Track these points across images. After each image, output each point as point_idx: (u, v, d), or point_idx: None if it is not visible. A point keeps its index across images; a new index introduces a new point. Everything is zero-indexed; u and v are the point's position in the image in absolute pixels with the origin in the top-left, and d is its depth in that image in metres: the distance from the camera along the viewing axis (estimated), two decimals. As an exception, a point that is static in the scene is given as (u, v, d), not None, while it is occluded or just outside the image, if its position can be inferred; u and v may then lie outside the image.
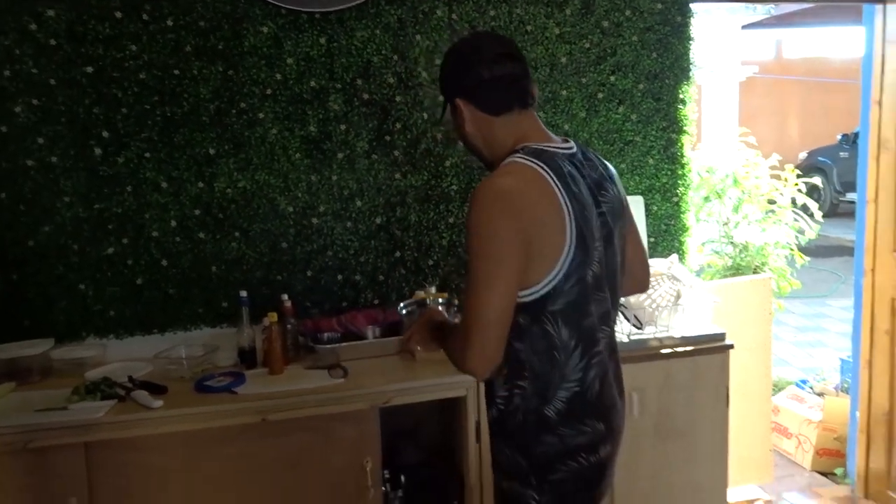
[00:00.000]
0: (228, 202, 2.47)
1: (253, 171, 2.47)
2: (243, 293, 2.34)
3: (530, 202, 1.25)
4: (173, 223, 2.43)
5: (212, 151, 2.43)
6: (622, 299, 1.69)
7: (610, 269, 1.38)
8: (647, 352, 2.38)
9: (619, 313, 1.64)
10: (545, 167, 1.28)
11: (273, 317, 2.28)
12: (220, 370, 2.31)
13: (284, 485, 2.15)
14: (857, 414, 3.28)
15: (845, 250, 8.29)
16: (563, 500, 1.37)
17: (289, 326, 2.40)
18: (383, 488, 2.34)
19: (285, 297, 2.43)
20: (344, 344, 2.42)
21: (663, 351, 2.41)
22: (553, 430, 1.33)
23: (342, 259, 2.59)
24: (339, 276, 2.60)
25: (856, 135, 8.25)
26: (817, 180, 5.08)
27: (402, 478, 2.46)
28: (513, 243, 1.23)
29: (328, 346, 2.40)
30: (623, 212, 1.45)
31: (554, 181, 1.27)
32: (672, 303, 2.47)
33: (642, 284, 1.63)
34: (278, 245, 2.53)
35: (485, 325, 1.23)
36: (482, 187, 1.28)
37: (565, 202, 1.27)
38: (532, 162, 1.29)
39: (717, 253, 3.65)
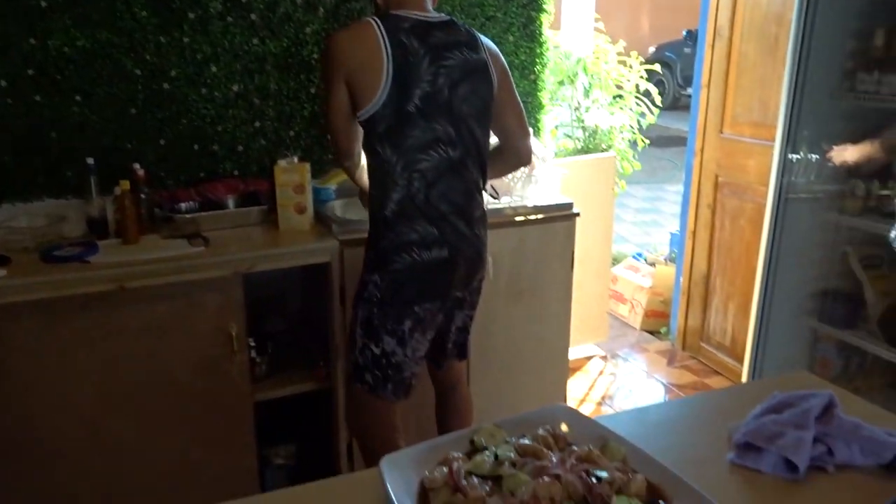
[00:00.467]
0: (66, 62, 2.27)
1: (93, 28, 2.27)
2: (90, 160, 2.21)
3: (354, 50, 1.68)
4: (3, 83, 2.21)
5: (43, 4, 2.20)
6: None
7: (453, 111, 1.75)
8: (502, 219, 2.52)
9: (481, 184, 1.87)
10: (380, 24, 1.67)
11: (125, 185, 2.19)
12: (68, 241, 2.20)
13: (148, 352, 2.14)
14: (681, 279, 3.69)
15: (684, 141, 8.93)
16: (398, 286, 1.77)
17: (142, 196, 2.31)
18: (250, 354, 2.38)
19: (137, 165, 2.32)
20: (203, 213, 2.37)
21: (517, 219, 2.56)
22: (391, 228, 1.74)
23: (197, 127, 2.49)
24: (195, 146, 2.51)
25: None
26: (662, 70, 5.37)
27: (269, 344, 2.52)
28: (339, 79, 1.70)
29: (186, 215, 2.34)
30: (482, 75, 1.80)
31: (382, 34, 1.66)
32: (526, 175, 2.62)
33: (524, 159, 2.07)
34: (126, 111, 2.39)
35: (333, 132, 1.84)
36: (327, 38, 1.86)
37: (387, 50, 1.65)
38: (374, 20, 1.68)
39: (568, 136, 3.84)
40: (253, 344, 2.43)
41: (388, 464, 0.92)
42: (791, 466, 0.96)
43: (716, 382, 3.32)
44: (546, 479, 0.86)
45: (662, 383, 3.35)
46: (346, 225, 2.33)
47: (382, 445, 1.95)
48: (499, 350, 2.63)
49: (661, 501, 0.88)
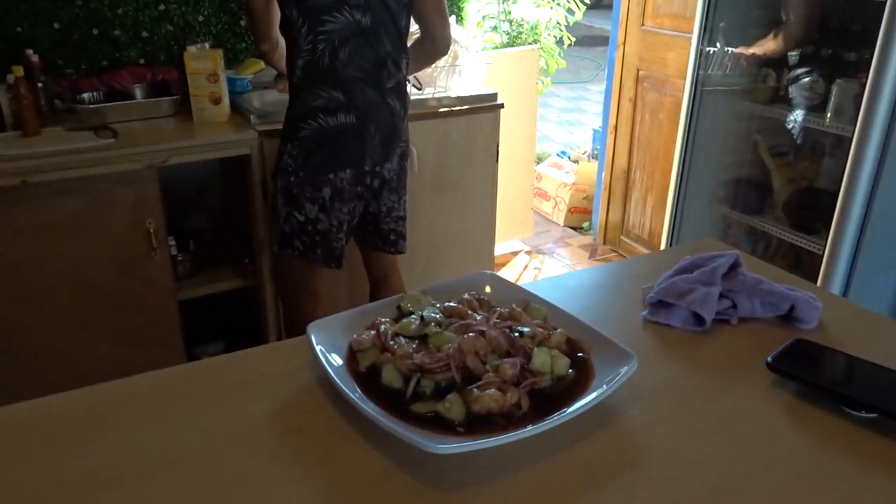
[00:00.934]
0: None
1: None
2: (-24, 45, 2.04)
3: None
4: None
5: None
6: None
7: None
8: (425, 111, 2.49)
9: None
10: None
11: (18, 71, 2.03)
12: (-40, 133, 2.05)
13: (61, 251, 2.06)
14: (602, 175, 3.78)
15: (608, 41, 8.93)
16: (307, 154, 1.83)
17: (40, 84, 2.16)
18: (171, 252, 2.33)
19: (30, 51, 2.16)
20: (109, 104, 2.25)
21: (441, 110, 2.54)
22: (298, 95, 1.81)
23: (95, 10, 2.32)
24: (95, 31, 2.34)
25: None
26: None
27: (191, 242, 2.46)
28: None
29: (90, 105, 2.22)
30: None
31: None
32: (450, 64, 2.57)
33: (441, 47, 2.03)
34: (14, -10, 2.19)
35: (250, 12, 1.93)
36: None
37: None
38: None
39: (495, 29, 3.77)
40: (173, 242, 2.37)
41: (316, 328, 0.93)
42: (698, 320, 1.02)
43: (633, 272, 3.48)
44: (471, 335, 0.89)
45: (583, 274, 3.48)
46: (265, 115, 2.25)
47: (308, 314, 2.00)
48: (424, 245, 2.65)
49: (580, 353, 0.93)
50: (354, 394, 0.83)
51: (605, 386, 0.85)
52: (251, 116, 2.26)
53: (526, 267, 3.59)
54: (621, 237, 3.74)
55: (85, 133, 2.12)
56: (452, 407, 0.82)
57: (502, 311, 0.97)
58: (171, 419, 0.84)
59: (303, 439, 0.81)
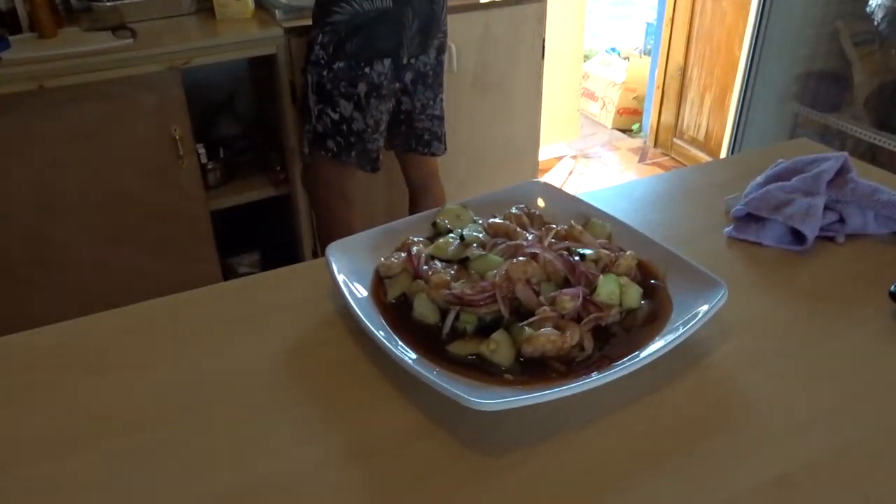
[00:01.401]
0: None
1: None
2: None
3: None
4: None
5: None
6: None
7: None
8: (466, 2, 2.23)
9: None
10: None
11: (28, -35, 1.84)
12: (-28, 36, 1.89)
13: (84, 158, 1.93)
14: (656, 72, 3.46)
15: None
16: (339, 41, 1.65)
17: (53, -19, 1.97)
18: (201, 160, 2.18)
19: (40, -56, 1.94)
20: (127, 1, 2.05)
21: (482, 1, 2.27)
22: None
23: None
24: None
25: None
26: None
27: (221, 150, 2.32)
28: None
29: (107, 3, 2.02)
30: None
31: None
32: (492, -51, 2.28)
33: None
34: None
35: None
36: None
37: None
38: None
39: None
40: (203, 150, 2.22)
41: (336, 250, 0.77)
42: (798, 237, 0.83)
43: (687, 177, 3.22)
44: (521, 258, 0.71)
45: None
46: (292, 11, 2.03)
47: (343, 221, 1.87)
48: (464, 149, 2.45)
49: (653, 281, 0.75)
50: (380, 332, 0.67)
51: (687, 322, 0.68)
52: (277, 12, 2.04)
53: (571, 172, 3.36)
54: (674, 140, 3.46)
55: (103, 34, 1.94)
56: (499, 348, 0.65)
57: (558, 228, 0.78)
58: (167, 360, 0.70)
59: (321, 385, 0.66)
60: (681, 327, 0.67)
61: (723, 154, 2.52)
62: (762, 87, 2.44)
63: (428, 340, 0.68)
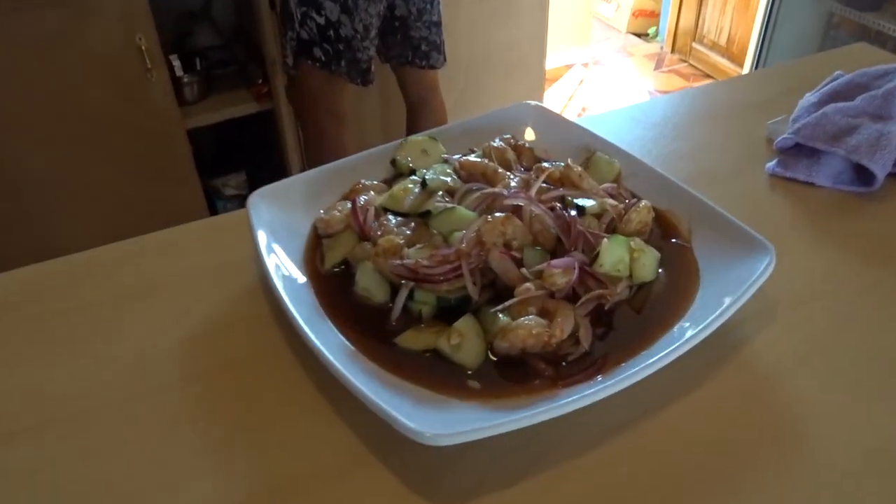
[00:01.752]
0: None
1: None
2: None
3: None
4: None
5: None
6: None
7: None
8: None
9: None
10: None
11: None
12: None
13: (43, 73, 1.71)
14: (676, -31, 3.11)
15: None
16: None
17: None
18: (176, 73, 1.95)
19: None
20: None
21: None
22: None
23: None
24: None
25: None
26: None
27: (199, 61, 2.08)
28: None
29: None
30: None
31: None
32: None
33: None
34: None
35: None
36: None
37: None
38: None
39: None
40: (177, 62, 1.99)
41: (262, 199, 0.58)
42: (863, 176, 0.62)
43: (705, 86, 2.94)
44: (498, 215, 0.52)
45: (649, 91, 2.97)
46: None
47: (332, 138, 1.68)
48: (463, 57, 2.19)
49: (674, 240, 0.56)
50: (307, 315, 0.49)
51: (720, 301, 0.49)
52: None
53: (581, 82, 3.09)
54: (693, 45, 3.15)
55: (50, -73, 1.68)
56: (463, 343, 0.47)
57: (552, 166, 0.59)
58: (34, 353, 0.52)
59: (229, 392, 0.49)
60: (712, 309, 0.48)
61: (747, 62, 2.25)
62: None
63: (373, 327, 0.50)
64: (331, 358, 0.45)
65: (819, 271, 0.57)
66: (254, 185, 2.35)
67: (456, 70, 2.15)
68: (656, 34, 3.42)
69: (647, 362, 0.44)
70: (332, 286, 0.53)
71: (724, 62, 2.94)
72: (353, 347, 0.48)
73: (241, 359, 0.50)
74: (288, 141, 2.11)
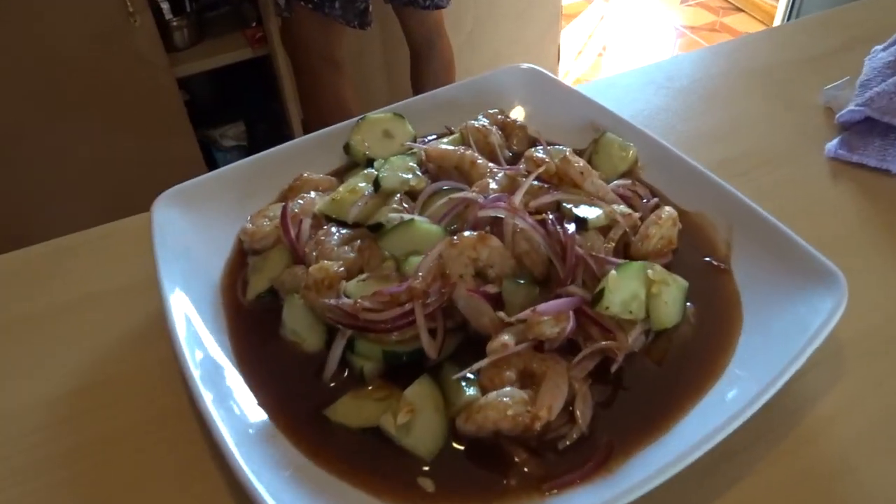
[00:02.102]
0: None
1: None
2: None
3: None
4: None
5: None
6: None
7: None
8: None
9: None
10: None
11: None
12: None
13: (19, 25, 1.55)
14: None
15: None
16: None
17: None
18: (167, 17, 1.79)
19: None
20: None
21: None
22: None
23: None
24: None
25: None
26: None
27: (188, 4, 1.91)
28: None
29: None
30: None
31: None
32: None
33: None
34: None
35: None
36: None
37: None
38: None
39: None
40: (166, 4, 1.81)
41: (170, 203, 0.44)
42: (957, 163, 0.47)
43: (739, 23, 2.68)
44: (468, 234, 0.37)
45: (675, 26, 2.72)
46: None
47: (329, 87, 1.52)
48: (472, -4, 1.98)
49: (707, 258, 0.41)
50: (209, 377, 0.36)
51: (772, 356, 0.35)
52: None
53: (602, 18, 2.84)
54: (722, -26, 2.87)
55: None
56: (416, 421, 0.34)
57: (548, 156, 0.44)
58: None
59: (109, 473, 0.36)
60: (761, 368, 0.34)
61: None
62: None
63: (300, 387, 0.37)
64: (225, 441, 0.32)
65: (898, 298, 0.42)
66: (253, 136, 2.20)
67: (463, 9, 1.95)
68: (682, -36, 3.13)
69: (671, 458, 0.30)
70: (254, 324, 0.40)
71: (755, -5, 2.68)
72: (268, 420, 0.35)
73: (130, 427, 0.37)
74: (286, 89, 1.94)
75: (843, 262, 0.37)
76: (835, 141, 0.51)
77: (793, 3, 1.95)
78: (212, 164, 2.07)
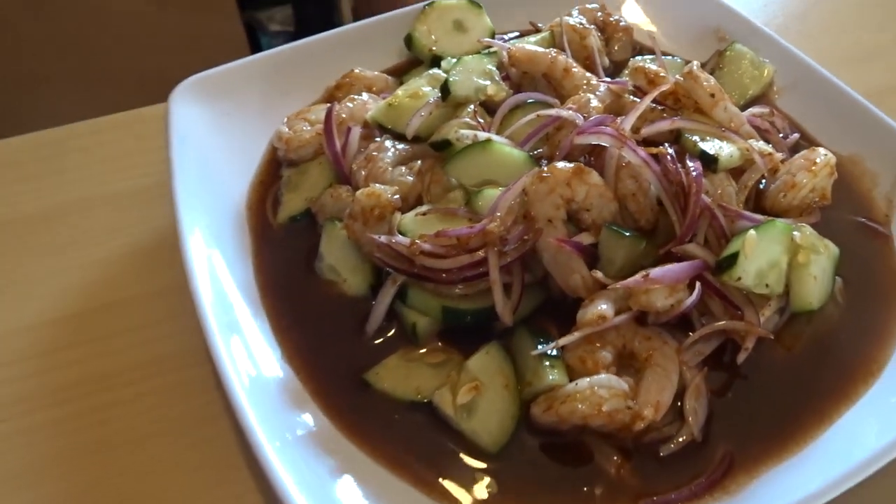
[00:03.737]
0: None
1: None
2: None
3: None
4: None
5: None
6: None
7: None
8: None
9: None
10: None
11: None
12: None
13: None
14: None
15: None
16: None
17: None
18: None
19: None
20: None
21: None
22: None
23: None
24: None
25: None
26: None
27: None
28: None
29: None
30: None
31: None
32: None
33: None
34: None
35: None
36: None
37: None
38: None
39: None
40: None
41: (189, 95, 0.36)
42: None
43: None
44: (561, 165, 0.29)
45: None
46: None
47: None
48: None
49: (863, 218, 0.32)
50: (228, 325, 0.29)
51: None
52: None
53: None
54: None
55: None
56: (481, 401, 0.26)
57: (663, 73, 0.34)
58: None
59: (98, 414, 0.30)
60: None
61: None
62: None
63: (335, 340, 0.30)
64: (246, 411, 0.25)
65: None
66: (301, 21, 2.07)
67: None
68: None
69: (814, 488, 0.23)
70: (285, 253, 0.32)
71: None
72: (295, 380, 0.28)
73: (130, 366, 0.31)
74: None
75: None
76: None
77: None
78: (256, 48, 1.96)
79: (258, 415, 0.25)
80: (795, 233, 0.29)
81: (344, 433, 0.27)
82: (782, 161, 0.32)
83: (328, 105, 0.35)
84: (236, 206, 0.34)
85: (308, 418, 0.27)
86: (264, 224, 0.34)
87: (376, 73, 0.39)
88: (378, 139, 0.34)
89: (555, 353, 0.27)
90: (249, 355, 0.28)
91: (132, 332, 0.32)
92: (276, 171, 0.36)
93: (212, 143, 0.35)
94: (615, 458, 0.26)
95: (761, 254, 0.28)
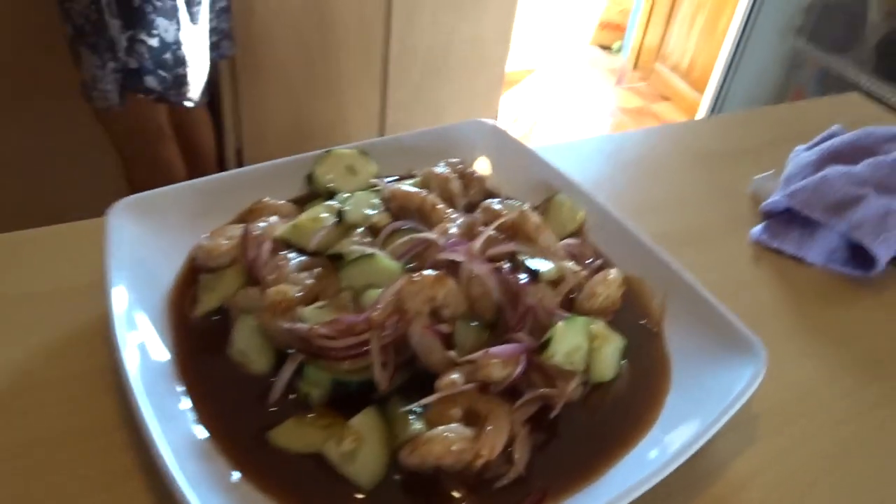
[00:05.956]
0: None
1: None
2: None
3: None
4: None
5: None
6: None
7: None
8: None
9: None
10: None
11: None
12: None
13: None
14: (648, -16, 3.03)
15: None
16: None
17: None
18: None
19: None
20: None
21: None
22: None
23: None
24: None
25: None
26: None
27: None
28: None
29: None
30: None
31: None
32: None
33: None
34: None
35: None
36: None
37: None
38: None
39: None
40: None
41: (127, 211, 0.43)
42: (860, 257, 0.52)
43: (665, 111, 2.87)
44: (428, 272, 0.39)
45: (609, 110, 2.88)
46: None
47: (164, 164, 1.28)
48: (421, 51, 2.04)
49: (642, 322, 0.44)
50: (150, 386, 0.35)
51: (696, 413, 0.38)
52: None
53: (538, 89, 2.98)
54: (655, 64, 3.08)
55: None
56: (361, 450, 0.34)
57: (505, 208, 0.46)
58: None
59: (26, 475, 0.34)
60: (685, 426, 0.37)
61: (710, 90, 2.17)
62: (765, 15, 2.07)
63: (243, 408, 0.37)
64: (168, 462, 0.31)
65: (809, 376, 0.46)
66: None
67: (411, 64, 2.00)
68: (620, 49, 3.34)
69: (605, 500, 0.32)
70: (201, 342, 0.40)
71: (683, 87, 2.88)
72: (208, 437, 0.34)
73: (60, 434, 0.36)
74: (225, 121, 1.91)
75: (761, 337, 0.40)
76: (760, 227, 0.56)
77: (719, 95, 2.11)
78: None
79: (178, 464, 0.32)
80: (593, 326, 0.40)
81: (247, 478, 0.33)
82: (587, 277, 0.44)
83: (244, 224, 0.44)
84: (161, 302, 0.41)
85: (219, 467, 0.34)
86: (183, 318, 0.41)
87: (283, 201, 0.48)
88: (284, 252, 0.43)
89: (418, 410, 0.36)
90: (169, 419, 0.34)
91: (63, 403, 0.37)
92: (194, 275, 0.43)
93: (141, 251, 0.42)
94: (462, 490, 0.34)
95: (568, 339, 0.39)
